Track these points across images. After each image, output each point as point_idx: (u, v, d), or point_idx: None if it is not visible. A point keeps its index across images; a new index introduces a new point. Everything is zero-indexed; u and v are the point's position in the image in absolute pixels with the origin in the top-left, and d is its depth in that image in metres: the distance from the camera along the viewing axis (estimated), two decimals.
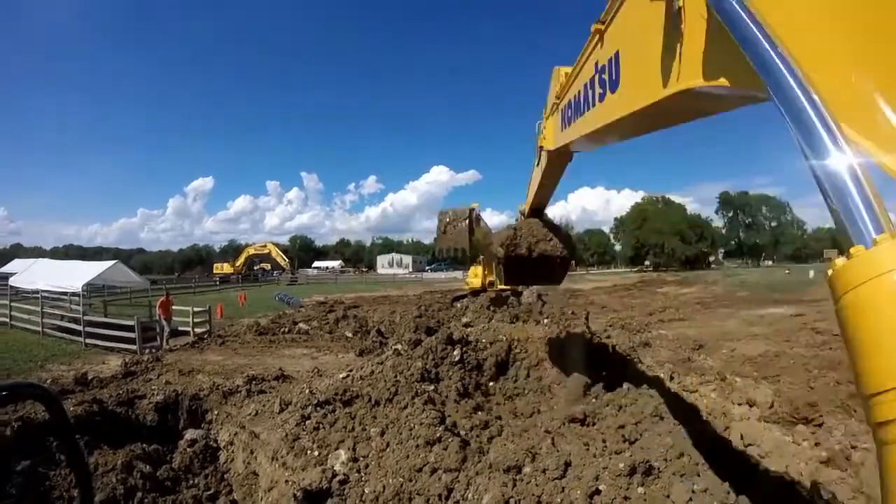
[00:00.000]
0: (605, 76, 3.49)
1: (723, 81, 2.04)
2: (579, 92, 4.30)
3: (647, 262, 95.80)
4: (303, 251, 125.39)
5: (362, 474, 6.02)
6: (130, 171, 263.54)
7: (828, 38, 1.49)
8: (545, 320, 13.22)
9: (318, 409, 7.43)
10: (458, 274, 59.30)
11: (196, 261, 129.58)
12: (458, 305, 25.53)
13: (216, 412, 9.23)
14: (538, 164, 6.37)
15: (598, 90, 3.73)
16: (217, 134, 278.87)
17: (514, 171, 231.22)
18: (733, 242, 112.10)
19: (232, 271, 71.76)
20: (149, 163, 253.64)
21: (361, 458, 6.26)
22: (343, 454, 6.37)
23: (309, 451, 6.62)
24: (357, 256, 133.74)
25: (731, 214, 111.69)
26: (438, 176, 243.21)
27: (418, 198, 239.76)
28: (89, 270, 26.32)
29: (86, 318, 20.37)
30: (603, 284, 47.76)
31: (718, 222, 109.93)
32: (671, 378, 10.98)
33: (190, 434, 8.47)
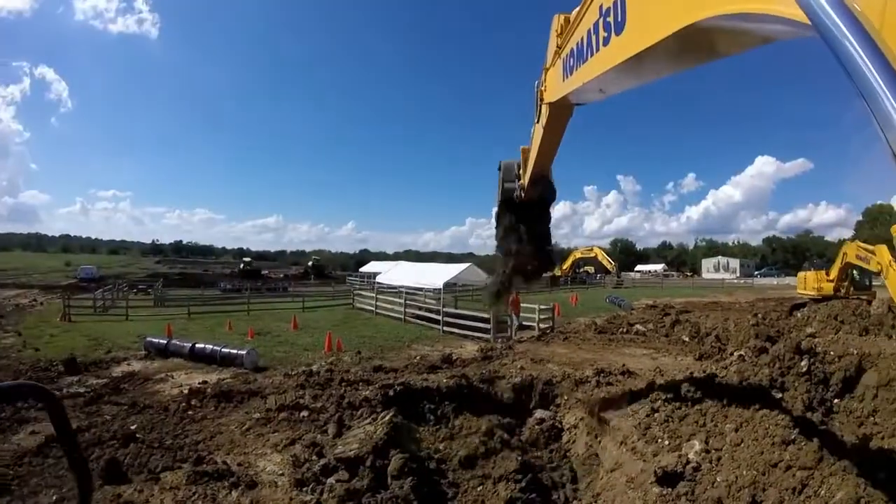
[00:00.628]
0: (611, 18, 3.44)
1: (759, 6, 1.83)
2: (582, 38, 4.17)
3: None
4: (623, 254, 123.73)
5: (714, 464, 6.30)
6: (458, 185, 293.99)
7: None
8: None
9: (667, 403, 7.87)
10: (791, 280, 53.18)
11: None
12: (799, 315, 23.49)
13: (566, 397, 10.03)
14: (538, 120, 6.17)
15: (602, 34, 3.65)
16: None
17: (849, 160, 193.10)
18: None
19: (560, 274, 73.48)
20: (475, 176, 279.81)
21: (714, 451, 6.53)
22: (697, 444, 6.70)
23: (659, 440, 7.08)
24: (679, 259, 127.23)
25: None
26: (763, 167, 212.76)
27: (742, 194, 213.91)
28: (449, 271, 31.19)
29: (444, 309, 24.11)
30: None
31: None
32: None
33: (539, 413, 9.41)
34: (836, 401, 8.22)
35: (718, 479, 6.08)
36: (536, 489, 6.62)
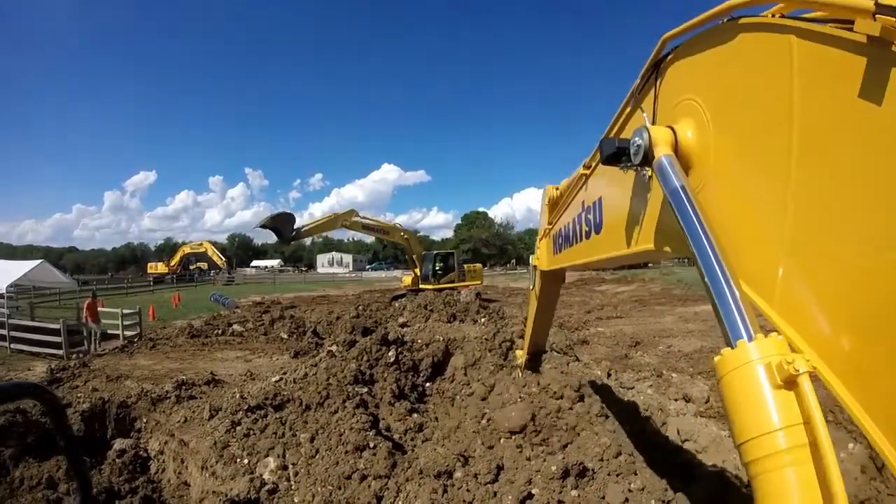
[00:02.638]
0: (591, 217, 3.72)
1: (667, 250, 2.48)
2: (568, 224, 4.47)
3: None
4: (241, 250, 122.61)
5: (291, 482, 5.88)
6: (67, 164, 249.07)
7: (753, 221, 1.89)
8: (482, 319, 13.17)
9: (249, 414, 7.19)
10: (399, 273, 59.24)
11: (131, 260, 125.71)
12: (397, 304, 26.08)
13: (145, 420, 8.93)
14: (532, 286, 6.25)
15: (584, 227, 3.95)
16: (164, 124, 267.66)
17: (461, 175, 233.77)
18: None
19: (167, 271, 69.36)
20: (87, 155, 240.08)
21: (291, 466, 6.08)
22: (272, 462, 6.17)
23: (238, 460, 6.38)
24: (297, 255, 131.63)
25: None
26: (387, 174, 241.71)
27: (365, 195, 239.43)
28: (13, 270, 25.44)
29: (10, 321, 19.02)
30: None
31: None
32: (609, 375, 11.10)
33: (119, 444, 8.12)
34: (427, 384, 8.91)
35: (296, 501, 5.63)
36: None
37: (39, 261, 26.38)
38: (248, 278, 73.02)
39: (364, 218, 29.29)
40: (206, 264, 76.44)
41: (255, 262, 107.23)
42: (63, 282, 28.55)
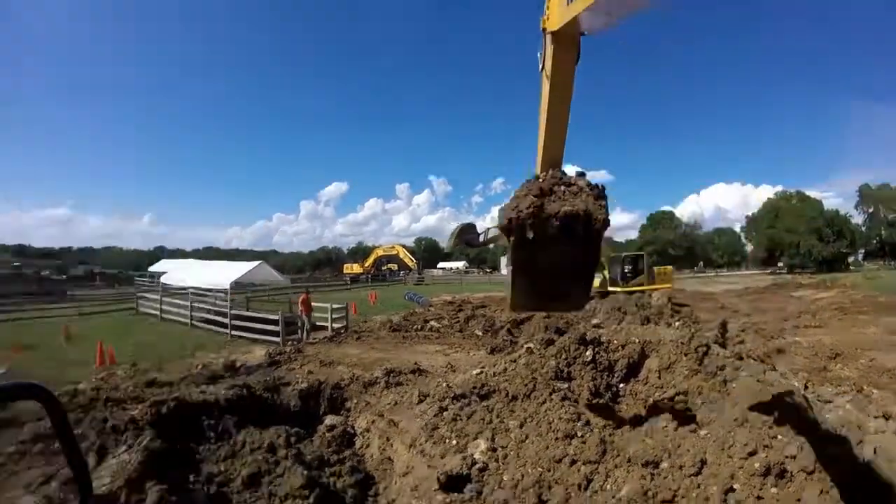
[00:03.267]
0: None
1: None
2: None
3: (780, 264, 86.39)
4: (428, 252, 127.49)
5: (500, 463, 6.26)
6: (269, 180, 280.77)
7: None
8: (676, 323, 13.03)
9: (455, 401, 7.80)
10: None
11: (325, 262, 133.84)
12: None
13: (355, 401, 9.83)
14: (542, 65, 5.27)
15: None
16: (354, 143, 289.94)
17: (645, 173, 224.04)
18: (875, 241, 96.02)
19: (361, 271, 73.93)
20: (286, 172, 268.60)
21: (500, 448, 6.50)
22: (482, 444, 6.64)
23: (447, 440, 6.95)
24: (480, 257, 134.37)
25: (871, 210, 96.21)
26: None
27: None
28: (237, 270, 28.78)
29: (232, 311, 22.39)
30: (734, 287, 44.88)
31: (858, 219, 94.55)
32: (805, 387, 10.51)
33: (329, 420, 9.06)
34: (622, 385, 8.63)
35: (505, 479, 5.95)
36: (327, 501, 6.27)
37: (258, 262, 29.69)
38: (437, 279, 75.61)
39: None
40: (396, 265, 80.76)
41: (441, 264, 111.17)
42: (278, 280, 31.78)
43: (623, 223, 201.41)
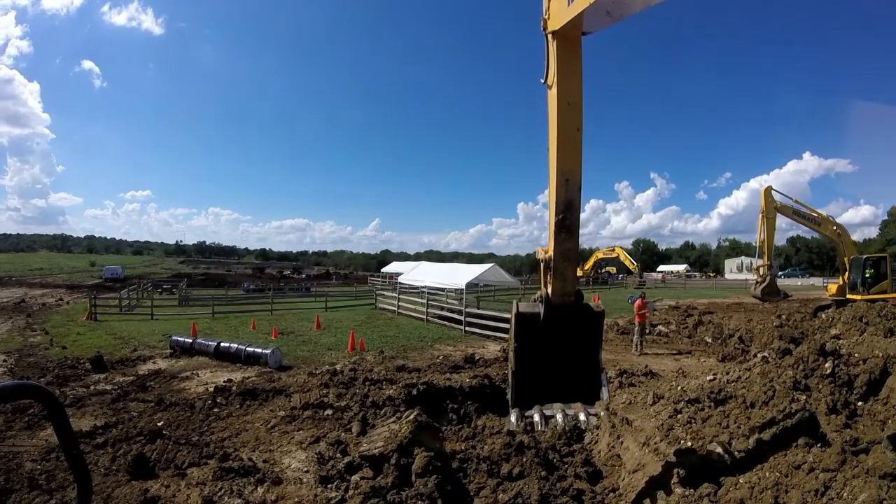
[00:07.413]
0: None
1: None
2: None
3: None
4: (646, 255, 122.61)
5: (737, 465, 6.35)
6: (483, 183, 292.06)
7: None
8: None
9: (690, 405, 7.93)
10: (815, 281, 51.94)
11: None
12: (823, 316, 23.11)
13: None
14: (546, 72, 5.15)
15: None
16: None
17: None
18: None
19: (581, 274, 73.35)
20: (503, 170, 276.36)
21: (736, 453, 6.57)
22: (718, 447, 6.70)
23: (682, 441, 7.08)
24: (702, 260, 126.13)
25: None
26: (803, 165, 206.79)
27: (778, 188, 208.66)
28: (471, 271, 31.26)
29: (467, 309, 24.21)
30: None
31: None
32: None
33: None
34: (860, 403, 7.86)
35: (741, 481, 6.06)
36: (558, 490, 6.53)
37: (491, 264, 31.55)
38: (658, 283, 73.00)
39: (796, 202, 26.45)
40: (614, 268, 79.55)
41: (661, 267, 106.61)
42: (508, 281, 33.30)
43: (862, 217, 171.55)
